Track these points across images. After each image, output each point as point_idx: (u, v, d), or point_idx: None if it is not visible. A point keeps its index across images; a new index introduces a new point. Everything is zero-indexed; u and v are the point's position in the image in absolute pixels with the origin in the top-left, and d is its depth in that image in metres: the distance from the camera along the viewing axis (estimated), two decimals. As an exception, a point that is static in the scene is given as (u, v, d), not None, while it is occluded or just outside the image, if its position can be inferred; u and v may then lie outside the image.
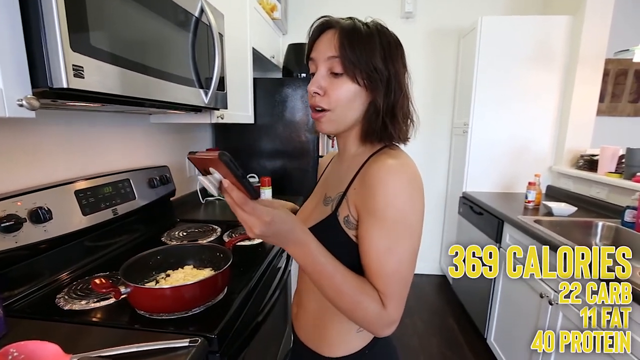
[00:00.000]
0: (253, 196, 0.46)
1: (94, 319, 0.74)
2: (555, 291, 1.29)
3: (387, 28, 0.60)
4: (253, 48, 1.83)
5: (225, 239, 1.24)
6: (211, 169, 0.49)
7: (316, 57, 0.59)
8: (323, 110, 0.59)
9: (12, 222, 0.77)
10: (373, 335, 0.64)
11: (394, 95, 0.58)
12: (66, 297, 0.81)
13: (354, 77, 0.56)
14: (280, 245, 0.51)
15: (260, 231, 0.47)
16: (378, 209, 0.53)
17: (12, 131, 0.89)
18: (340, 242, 0.57)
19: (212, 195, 1.92)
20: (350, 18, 0.59)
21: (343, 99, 0.58)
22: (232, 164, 0.44)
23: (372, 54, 0.56)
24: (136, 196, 1.21)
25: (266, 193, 1.56)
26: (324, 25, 0.59)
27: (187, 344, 0.62)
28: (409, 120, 0.62)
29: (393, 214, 0.52)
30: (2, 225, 0.75)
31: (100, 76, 0.66)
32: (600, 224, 1.57)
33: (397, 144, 0.63)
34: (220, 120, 1.40)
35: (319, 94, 0.59)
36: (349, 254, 0.57)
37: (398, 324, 0.55)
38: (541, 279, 1.39)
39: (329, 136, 0.71)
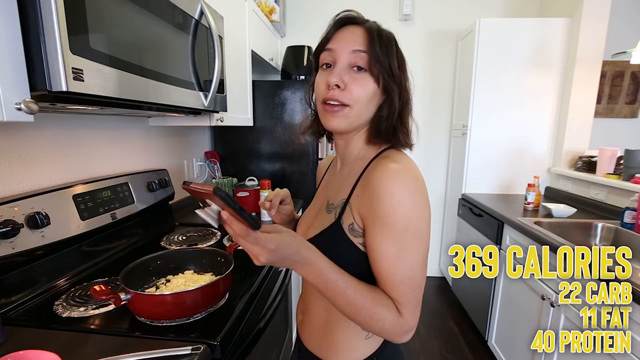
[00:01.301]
0: (254, 227, 0.45)
1: (93, 327, 0.72)
2: (557, 293, 1.29)
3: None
4: (252, 50, 1.82)
5: (226, 243, 1.23)
6: (207, 201, 0.48)
7: (337, 49, 0.57)
8: (341, 104, 0.57)
9: (9, 228, 0.75)
10: (388, 341, 0.63)
11: (403, 99, 0.59)
12: (64, 304, 0.80)
13: (376, 75, 0.56)
14: (288, 268, 0.51)
15: (266, 259, 0.46)
16: (384, 216, 0.52)
17: (7, 135, 0.87)
18: (346, 250, 0.56)
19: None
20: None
21: (364, 97, 0.56)
22: (229, 198, 0.42)
23: (392, 56, 0.57)
24: (135, 200, 1.20)
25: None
26: (349, 20, 0.58)
27: (189, 352, 0.61)
28: (412, 125, 0.62)
29: (400, 221, 0.51)
30: (-1, 231, 0.74)
31: (100, 79, 0.65)
32: (599, 225, 1.58)
33: (400, 147, 0.63)
34: (219, 123, 1.39)
35: (339, 87, 0.56)
36: (356, 261, 0.56)
37: (415, 329, 0.54)
38: (542, 281, 1.39)
39: (329, 139, 0.70)
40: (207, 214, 0.47)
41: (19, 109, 0.55)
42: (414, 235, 0.52)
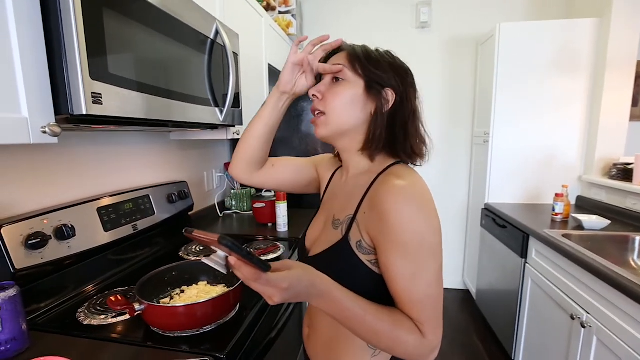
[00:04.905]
0: (264, 269, 0.43)
1: (109, 335, 0.75)
2: (588, 313, 1.20)
3: (397, 57, 0.63)
4: (269, 64, 1.87)
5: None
6: (213, 247, 0.47)
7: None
8: (320, 112, 0.62)
9: (39, 240, 0.81)
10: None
11: (400, 109, 0.60)
12: (86, 311, 0.84)
13: (354, 81, 0.59)
14: (304, 301, 0.50)
15: (280, 299, 0.45)
16: (395, 235, 0.51)
17: (38, 153, 0.95)
18: (354, 267, 0.56)
19: (230, 209, 1.95)
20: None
21: (338, 102, 0.60)
22: (235, 246, 0.41)
23: (377, 65, 0.60)
24: (155, 212, 1.25)
25: (281, 207, 1.57)
26: (337, 49, 0.65)
27: (196, 364, 0.63)
28: (417, 140, 0.61)
29: (412, 239, 0.50)
30: (29, 242, 0.79)
31: (118, 101, 0.70)
32: (637, 238, 1.46)
33: (408, 162, 0.62)
34: (236, 137, 1.44)
35: (317, 98, 0.63)
36: (364, 278, 0.55)
37: (440, 346, 0.53)
38: (571, 299, 1.30)
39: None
40: (214, 262, 0.46)
41: (44, 132, 0.60)
42: (428, 251, 0.51)
